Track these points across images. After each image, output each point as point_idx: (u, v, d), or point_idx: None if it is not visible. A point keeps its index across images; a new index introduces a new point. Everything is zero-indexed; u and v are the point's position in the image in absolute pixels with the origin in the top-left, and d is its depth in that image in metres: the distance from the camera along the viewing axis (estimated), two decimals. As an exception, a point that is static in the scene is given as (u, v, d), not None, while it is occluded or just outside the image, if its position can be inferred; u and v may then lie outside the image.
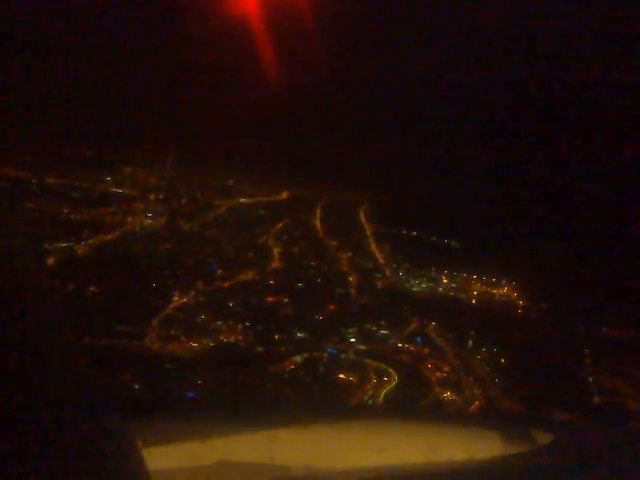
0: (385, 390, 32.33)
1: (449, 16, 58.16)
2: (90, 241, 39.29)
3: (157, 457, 3.93)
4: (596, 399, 33.63)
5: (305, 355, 33.58)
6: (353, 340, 35.26)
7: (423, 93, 58.07)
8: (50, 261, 34.57)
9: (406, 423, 5.14)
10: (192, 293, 36.40)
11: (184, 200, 47.21)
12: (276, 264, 42.44)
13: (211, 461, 4.32)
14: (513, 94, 54.51)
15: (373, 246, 47.65)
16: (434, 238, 50.18)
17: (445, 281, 43.58)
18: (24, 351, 3.69)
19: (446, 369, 34.78)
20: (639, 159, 45.11)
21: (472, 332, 37.38)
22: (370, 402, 30.92)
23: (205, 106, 55.20)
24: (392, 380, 33.03)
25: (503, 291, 43.42)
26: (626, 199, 45.14)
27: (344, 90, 59.95)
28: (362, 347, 35.22)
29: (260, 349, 33.74)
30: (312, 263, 43.57)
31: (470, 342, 37.04)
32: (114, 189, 47.16)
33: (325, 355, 33.86)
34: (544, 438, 5.11)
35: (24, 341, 3.82)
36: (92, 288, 34.02)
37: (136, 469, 3.28)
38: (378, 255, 46.40)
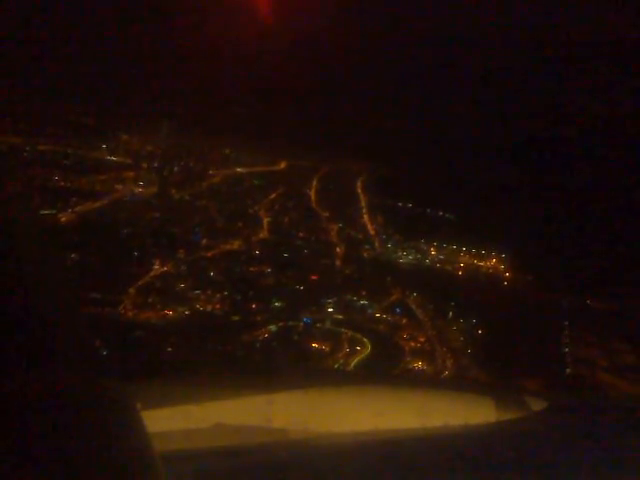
0: (357, 359, 32.45)
1: None
2: (77, 208, 39.48)
3: (155, 419, 3.92)
4: (568, 370, 33.62)
5: (280, 324, 33.66)
6: (331, 310, 35.42)
7: (424, 65, 57.57)
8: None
9: (402, 388, 5.21)
10: (173, 262, 36.40)
11: (176, 169, 47.18)
12: (264, 234, 42.58)
13: (209, 424, 4.35)
14: (514, 69, 53.98)
15: (366, 217, 47.59)
16: (429, 210, 49.79)
17: (433, 253, 43.53)
18: (25, 316, 3.82)
19: (421, 339, 34.95)
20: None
21: (452, 303, 37.15)
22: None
23: (205, 75, 55.12)
24: (365, 349, 33.19)
25: (491, 263, 43.29)
26: (613, 175, 44.69)
27: (346, 61, 59.57)
28: (340, 317, 35.40)
29: (236, 318, 33.81)
30: (301, 234, 43.62)
31: (450, 313, 36.97)
32: (108, 157, 47.32)
33: (300, 324, 33.92)
34: (538, 405, 5.16)
35: (25, 307, 3.95)
36: (72, 255, 34.29)
37: (135, 431, 3.33)
38: (370, 226, 46.36)
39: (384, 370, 32.04)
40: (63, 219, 38.27)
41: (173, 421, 4.29)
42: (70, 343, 3.97)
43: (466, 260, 43.62)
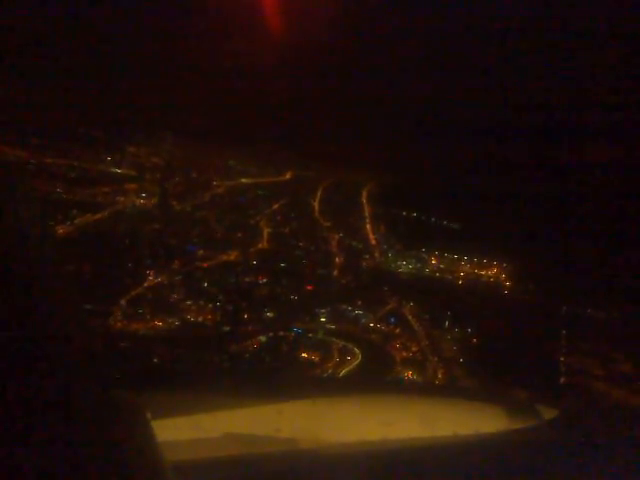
0: (346, 368, 32.38)
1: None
2: (76, 220, 39.93)
3: (166, 429, 4.05)
4: (562, 379, 33.25)
5: (270, 334, 33.72)
6: (324, 320, 35.37)
7: (428, 75, 57.39)
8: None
9: (411, 398, 5.28)
10: (168, 273, 36.67)
11: (179, 180, 47.53)
12: (263, 245, 42.72)
13: (218, 433, 4.48)
14: (521, 80, 53.72)
15: (368, 227, 47.54)
16: (433, 219, 49.61)
17: (434, 262, 43.32)
18: (36, 327, 3.93)
19: (414, 349, 34.81)
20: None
21: (449, 312, 36.94)
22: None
23: (212, 88, 55.48)
24: (355, 359, 33.12)
25: (492, 272, 42.93)
26: (615, 186, 44.29)
27: (351, 72, 59.60)
28: (332, 327, 35.34)
29: (226, 328, 33.91)
30: (300, 244, 43.63)
31: (446, 322, 36.77)
32: (113, 169, 47.80)
33: (291, 334, 33.94)
34: (549, 413, 5.22)
35: (36, 319, 4.06)
36: (68, 267, 34.63)
37: (145, 440, 3.45)
38: (371, 236, 46.30)
39: (374, 380, 31.79)
40: (61, 231, 38.62)
41: (183, 431, 4.41)
42: (81, 354, 4.08)
43: (467, 269, 43.36)
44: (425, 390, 5.86)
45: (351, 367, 32.35)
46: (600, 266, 39.12)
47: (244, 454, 4.43)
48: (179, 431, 4.32)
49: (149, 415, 3.75)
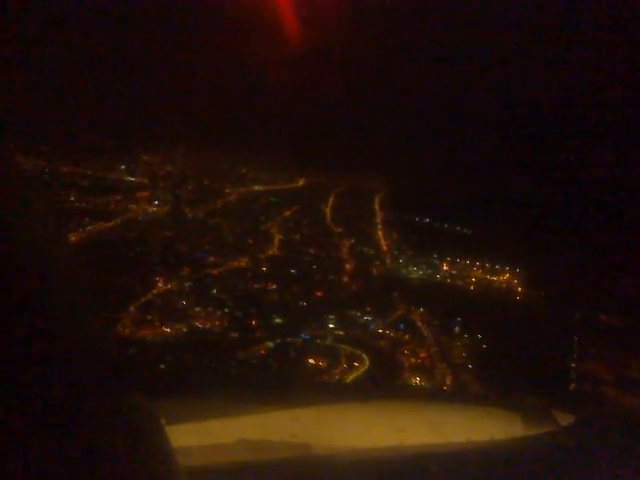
0: (354, 375, 32.38)
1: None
2: (88, 228, 40.33)
3: (180, 434, 4.08)
4: (572, 386, 33.05)
5: (278, 341, 33.81)
6: (332, 326, 35.39)
7: (440, 83, 57.49)
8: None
9: (426, 404, 5.29)
10: (177, 280, 36.92)
11: (192, 187, 47.88)
12: (273, 251, 42.91)
13: (233, 439, 4.48)
14: (532, 85, 53.73)
15: (380, 233, 47.58)
16: (446, 225, 49.55)
17: (445, 268, 43.27)
18: (49, 333, 3.92)
19: (422, 355, 34.74)
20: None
21: (458, 319, 36.83)
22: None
23: (224, 96, 55.82)
24: (363, 365, 33.11)
25: (504, 278, 42.78)
26: (626, 189, 44.05)
27: (364, 79, 59.78)
28: (341, 333, 35.33)
29: (234, 335, 34.04)
30: (311, 250, 43.74)
31: (456, 329, 36.66)
32: (126, 177, 48.25)
33: (299, 341, 34.02)
34: (565, 419, 5.21)
35: (50, 324, 4.03)
36: (82, 273, 34.91)
37: (160, 446, 3.50)
38: (383, 242, 46.34)
39: (382, 386, 31.73)
40: (73, 239, 38.99)
41: (197, 436, 4.40)
42: (96, 360, 4.09)
43: (479, 275, 43.25)
44: (439, 396, 5.84)
45: (358, 373, 32.32)
46: (612, 272, 38.80)
47: (258, 460, 4.45)
48: (194, 437, 4.32)
49: (163, 421, 3.79)
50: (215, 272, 38.75)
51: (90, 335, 4.33)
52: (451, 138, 56.38)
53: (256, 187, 51.84)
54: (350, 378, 32.28)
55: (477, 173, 52.01)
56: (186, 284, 36.84)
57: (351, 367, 32.96)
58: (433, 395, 5.80)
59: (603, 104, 49.06)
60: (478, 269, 43.24)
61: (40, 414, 3.09)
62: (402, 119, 59.77)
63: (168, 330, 33.17)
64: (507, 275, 42.95)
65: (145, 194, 45.81)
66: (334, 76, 59.22)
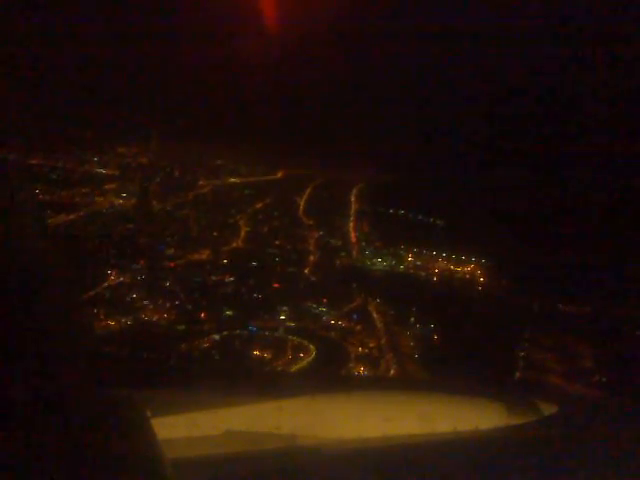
0: (298, 365, 32.07)
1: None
2: (49, 221, 40.17)
3: (165, 426, 4.08)
4: (517, 374, 32.64)
5: (225, 333, 33.52)
6: (283, 318, 35.03)
7: (420, 76, 57.17)
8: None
9: (411, 394, 5.25)
10: (131, 273, 36.72)
11: (162, 180, 47.70)
12: (237, 244, 42.61)
13: (219, 431, 4.48)
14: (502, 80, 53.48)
15: (351, 225, 47.20)
16: (420, 217, 49.13)
17: (410, 259, 42.78)
18: (33, 324, 4.09)
19: (371, 345, 34.32)
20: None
21: (414, 309, 36.41)
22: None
23: (203, 87, 55.66)
24: (308, 356, 32.78)
25: (469, 268, 42.25)
26: (586, 183, 43.79)
27: (341, 71, 59.44)
28: (292, 325, 34.98)
29: (181, 327, 33.78)
30: (277, 242, 43.38)
31: (412, 319, 36.26)
32: (97, 169, 48.14)
33: (245, 333, 33.73)
34: (548, 409, 5.19)
35: (35, 318, 4.24)
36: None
37: (145, 437, 3.52)
38: (352, 234, 45.91)
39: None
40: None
41: (183, 428, 4.37)
42: (79, 352, 4.19)
43: (443, 266, 42.63)
44: (425, 386, 5.72)
45: (303, 364, 31.87)
46: (574, 262, 38.23)
47: (244, 451, 4.42)
48: (179, 429, 4.28)
49: (149, 412, 3.80)
50: (172, 265, 38.37)
51: (75, 328, 4.48)
52: (432, 130, 55.92)
53: (232, 179, 51.48)
54: (294, 369, 31.82)
55: (452, 166, 51.62)
56: (138, 277, 36.41)
57: (296, 358, 32.56)
58: (419, 386, 5.62)
59: (572, 94, 48.55)
60: (443, 260, 42.66)
61: (27, 407, 3.14)
62: (385, 112, 59.29)
63: (112, 323, 32.90)
64: (472, 266, 42.36)
65: (113, 186, 45.57)
66: (311, 70, 58.79)
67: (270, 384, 5.05)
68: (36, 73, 51.74)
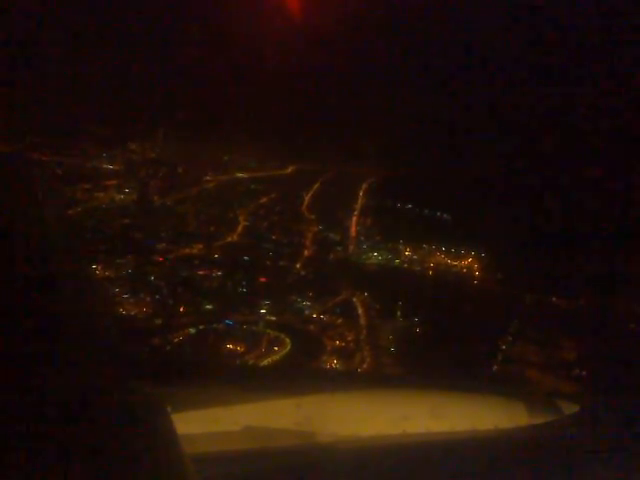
0: (270, 358, 31.93)
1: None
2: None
3: (186, 422, 4.20)
4: (495, 367, 32.00)
5: (201, 327, 33.52)
6: (264, 312, 34.90)
7: (428, 72, 56.76)
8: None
9: (430, 392, 5.32)
10: (116, 267, 36.99)
11: (165, 175, 48.02)
12: (232, 238, 42.58)
13: (238, 427, 4.59)
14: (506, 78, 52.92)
15: (354, 219, 46.79)
16: (426, 211, 48.63)
17: (407, 253, 42.22)
18: (57, 319, 4.28)
19: (349, 339, 33.91)
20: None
21: (399, 303, 35.94)
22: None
23: (214, 84, 55.95)
24: (283, 349, 32.60)
25: (466, 262, 41.53)
26: (580, 180, 42.96)
27: (351, 69, 59.37)
28: (273, 318, 34.81)
29: (159, 321, 33.90)
30: (273, 237, 43.27)
31: (398, 312, 35.82)
32: (105, 165, 48.70)
33: (221, 326, 33.68)
34: (569, 408, 5.22)
35: (57, 310, 4.44)
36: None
37: (165, 433, 3.62)
38: (353, 228, 45.49)
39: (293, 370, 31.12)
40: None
41: (203, 424, 4.47)
42: (102, 347, 4.30)
43: (440, 260, 41.98)
44: (444, 385, 5.59)
45: (275, 357, 31.68)
46: (567, 256, 37.46)
47: (263, 448, 4.46)
48: (199, 424, 4.36)
49: (169, 408, 3.87)
50: (160, 259, 38.48)
51: (99, 321, 4.57)
52: (442, 127, 55.54)
53: (239, 174, 51.50)
54: (266, 361, 31.67)
55: (460, 162, 51.23)
56: (123, 272, 36.63)
57: (270, 351, 32.33)
58: (438, 384, 5.62)
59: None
60: (441, 254, 41.99)
61: (47, 403, 3.18)
62: (397, 107, 58.91)
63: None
64: (469, 260, 41.59)
65: (115, 182, 45.98)
66: (328, 63, 58.59)
67: (289, 380, 5.07)
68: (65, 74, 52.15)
